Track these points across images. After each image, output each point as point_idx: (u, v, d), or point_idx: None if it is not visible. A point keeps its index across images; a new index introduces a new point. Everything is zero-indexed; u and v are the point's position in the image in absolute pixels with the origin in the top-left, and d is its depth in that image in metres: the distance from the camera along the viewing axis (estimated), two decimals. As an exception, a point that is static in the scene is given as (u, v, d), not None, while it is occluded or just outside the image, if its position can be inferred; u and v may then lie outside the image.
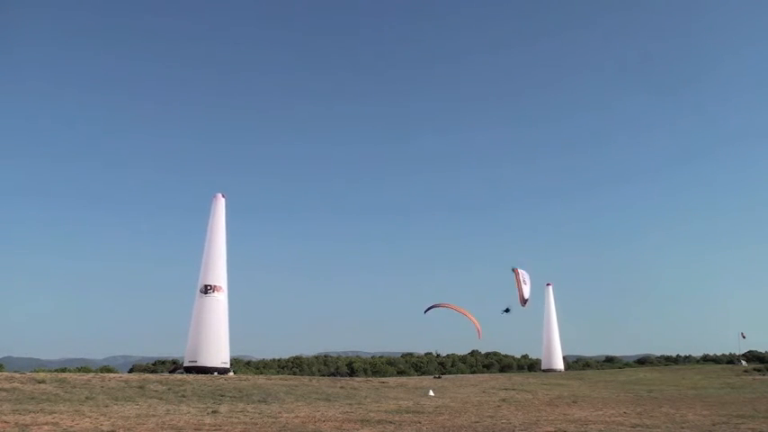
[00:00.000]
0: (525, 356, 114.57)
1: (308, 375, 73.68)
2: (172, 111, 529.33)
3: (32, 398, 24.84)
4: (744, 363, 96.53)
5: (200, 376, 40.21)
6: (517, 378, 63.52)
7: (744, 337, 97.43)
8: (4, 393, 25.12)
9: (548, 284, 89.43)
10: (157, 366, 74.02)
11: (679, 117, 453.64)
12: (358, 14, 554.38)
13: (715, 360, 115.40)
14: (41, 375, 31.93)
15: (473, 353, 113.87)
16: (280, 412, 24.49)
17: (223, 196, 53.03)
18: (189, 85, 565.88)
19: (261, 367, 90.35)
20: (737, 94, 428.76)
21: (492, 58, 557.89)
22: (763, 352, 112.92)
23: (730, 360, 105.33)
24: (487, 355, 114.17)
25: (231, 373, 48.32)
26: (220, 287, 50.36)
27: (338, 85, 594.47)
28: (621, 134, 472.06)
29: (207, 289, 49.69)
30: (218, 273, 50.77)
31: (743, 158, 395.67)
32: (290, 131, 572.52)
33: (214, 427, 18.72)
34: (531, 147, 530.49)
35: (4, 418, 19.12)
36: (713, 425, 21.56)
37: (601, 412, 27.37)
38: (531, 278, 62.88)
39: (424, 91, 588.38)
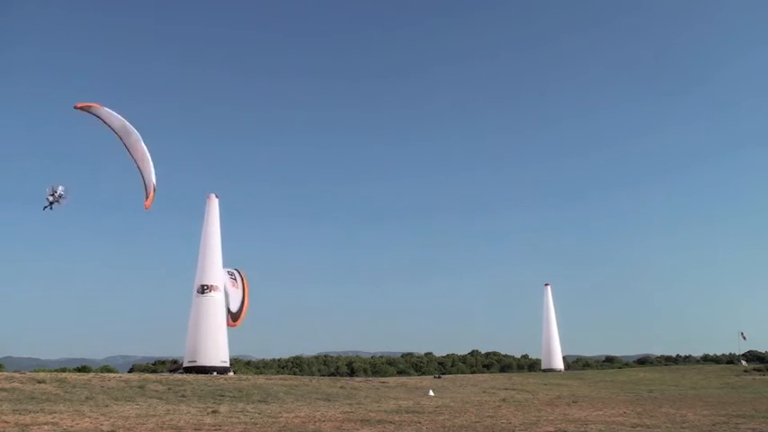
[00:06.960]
0: (525, 356, 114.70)
1: (308, 375, 73.72)
2: (165, 111, 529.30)
3: (32, 398, 24.80)
4: (744, 363, 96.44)
5: (199, 376, 40.19)
6: (517, 378, 63.45)
7: (744, 338, 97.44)
8: (4, 393, 25.08)
9: (546, 285, 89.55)
10: (157, 366, 74.09)
11: (681, 121, 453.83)
12: (357, 18, 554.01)
13: (715, 360, 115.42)
14: (41, 375, 31.89)
15: (473, 353, 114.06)
16: (280, 412, 24.47)
17: (216, 197, 53.14)
18: (181, 87, 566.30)
19: (261, 367, 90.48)
20: (740, 99, 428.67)
21: (492, 60, 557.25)
22: (763, 352, 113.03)
23: (730, 360, 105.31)
24: (487, 355, 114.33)
25: (231, 373, 48.31)
26: (217, 287, 50.38)
27: (335, 87, 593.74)
28: (622, 136, 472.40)
29: (204, 289, 49.68)
30: (215, 272, 50.79)
31: (743, 161, 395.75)
32: (290, 133, 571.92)
33: (214, 427, 18.71)
34: (531, 148, 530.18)
35: (4, 418, 19.10)
36: (713, 425, 21.53)
37: (601, 412, 27.35)
38: None
39: (425, 94, 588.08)
